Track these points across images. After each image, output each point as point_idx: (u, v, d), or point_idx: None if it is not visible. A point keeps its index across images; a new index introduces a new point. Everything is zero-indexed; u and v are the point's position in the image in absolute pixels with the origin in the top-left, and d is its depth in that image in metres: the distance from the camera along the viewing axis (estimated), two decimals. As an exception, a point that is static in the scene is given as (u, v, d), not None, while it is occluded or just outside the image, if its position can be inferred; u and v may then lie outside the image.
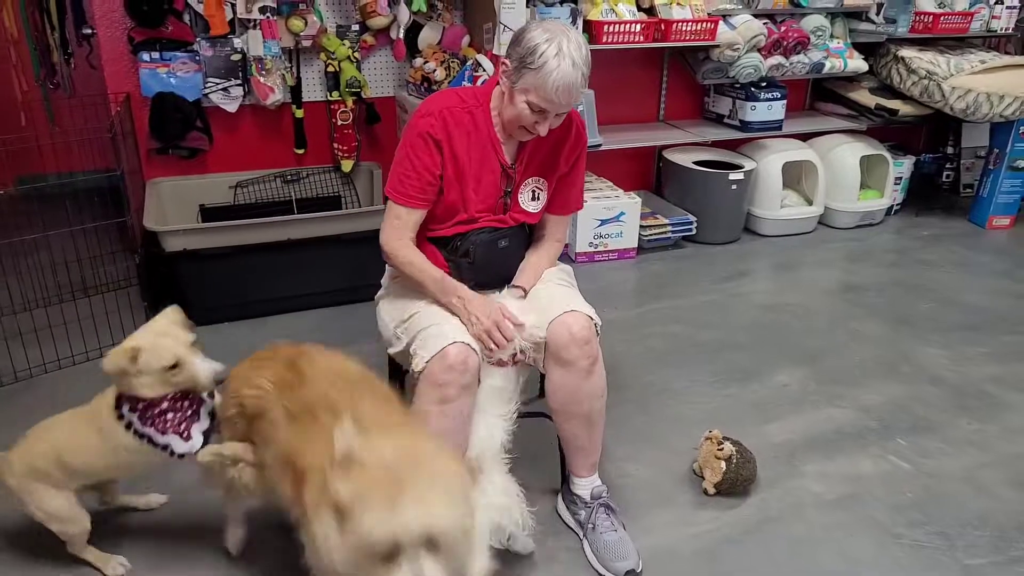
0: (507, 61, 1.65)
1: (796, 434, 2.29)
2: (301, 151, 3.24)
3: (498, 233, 1.82)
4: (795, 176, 3.89)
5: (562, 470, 2.01)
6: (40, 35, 3.40)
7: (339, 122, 3.15)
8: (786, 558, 1.82)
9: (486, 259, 1.82)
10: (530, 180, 1.82)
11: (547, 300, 1.78)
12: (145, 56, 2.87)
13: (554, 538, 1.88)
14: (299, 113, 3.16)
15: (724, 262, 3.54)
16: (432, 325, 1.67)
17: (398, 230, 1.75)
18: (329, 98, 3.11)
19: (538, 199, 1.85)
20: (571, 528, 1.90)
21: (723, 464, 2.01)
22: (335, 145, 3.21)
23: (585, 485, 1.85)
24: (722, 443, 2.05)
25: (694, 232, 3.61)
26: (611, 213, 3.40)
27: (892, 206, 4.06)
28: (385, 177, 3.25)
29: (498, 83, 1.71)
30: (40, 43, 3.41)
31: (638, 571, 1.75)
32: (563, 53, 1.56)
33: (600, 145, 3.36)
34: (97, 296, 2.94)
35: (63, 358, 2.53)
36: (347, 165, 3.22)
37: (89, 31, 3.24)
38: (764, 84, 3.63)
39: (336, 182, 3.31)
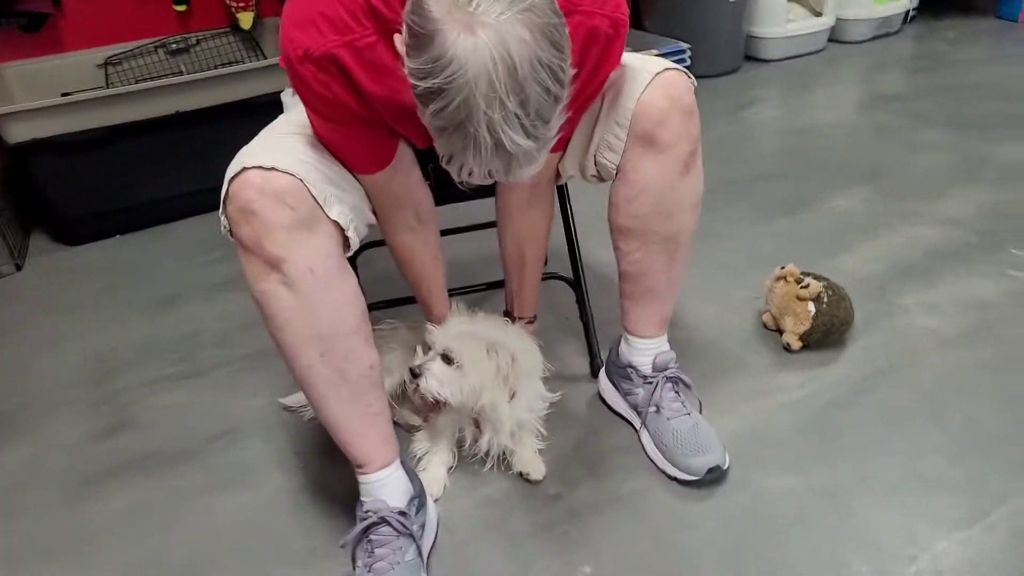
0: (405, 47, 0.76)
1: (879, 263, 1.74)
2: (182, 7, 2.49)
3: None
4: (796, -15, 3.25)
5: (589, 341, 1.45)
6: None
7: (225, -39, 2.42)
8: (925, 414, 1.29)
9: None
10: None
11: (626, 74, 1.11)
12: None
13: (593, 434, 1.32)
14: (171, -45, 2.41)
15: (729, 93, 2.92)
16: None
17: (388, 207, 1.11)
18: (207, -73, 2.37)
19: None
20: (620, 416, 1.35)
21: (811, 306, 1.45)
22: (227, -3, 2.48)
23: (648, 350, 1.27)
24: (802, 279, 1.49)
25: (688, 63, 2.98)
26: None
27: (908, 11, 3.46)
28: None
29: None
30: None
31: (724, 467, 1.20)
32: (491, 123, 0.73)
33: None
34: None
35: None
36: (246, 20, 2.48)
37: None
38: None
39: (237, 46, 2.59)
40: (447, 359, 1.13)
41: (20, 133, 1.96)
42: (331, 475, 1.28)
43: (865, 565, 1.05)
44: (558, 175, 1.24)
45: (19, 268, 2.07)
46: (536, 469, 1.22)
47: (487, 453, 1.23)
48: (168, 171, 2.18)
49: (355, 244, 1.03)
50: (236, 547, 1.17)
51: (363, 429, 1.05)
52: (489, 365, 1.13)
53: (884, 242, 1.82)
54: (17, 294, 1.97)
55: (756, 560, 1.07)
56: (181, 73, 2.50)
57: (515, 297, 1.32)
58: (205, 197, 2.27)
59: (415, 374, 1.13)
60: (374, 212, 1.11)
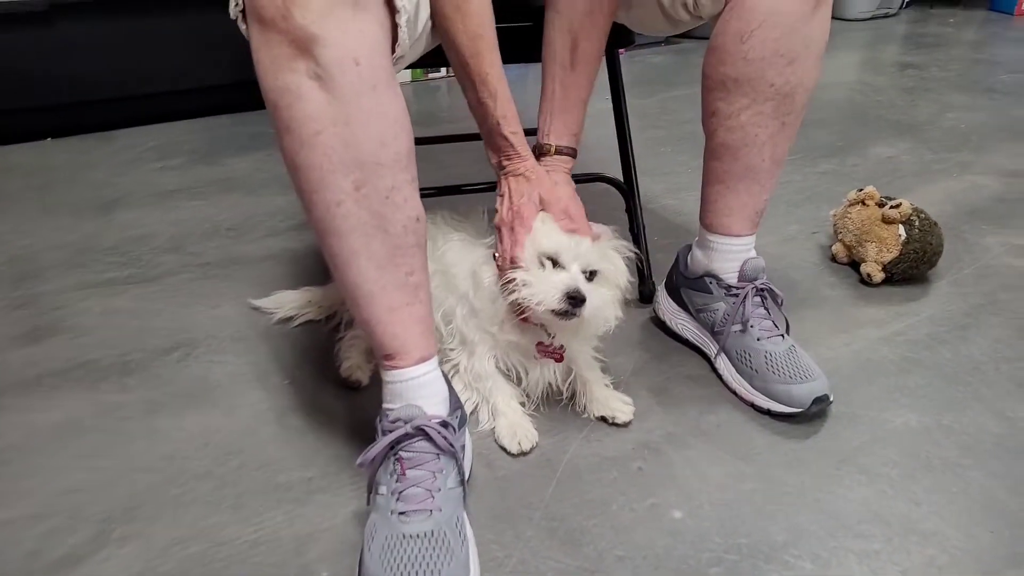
0: None
1: (945, 205, 1.55)
2: None
3: None
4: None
5: (640, 253, 1.20)
6: None
7: None
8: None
9: None
10: None
11: None
12: None
13: (655, 360, 1.07)
14: None
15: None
16: None
17: None
18: None
19: None
20: (685, 342, 1.10)
21: (901, 230, 1.23)
22: None
23: (736, 252, 1.01)
24: (885, 203, 1.28)
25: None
26: None
27: (905, -3, 3.40)
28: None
29: None
30: None
31: (831, 399, 0.96)
32: None
33: None
34: None
35: None
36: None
37: None
38: None
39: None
40: (591, 276, 0.88)
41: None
42: (325, 393, 0.99)
43: (1038, 512, 0.82)
44: (629, 5, 0.98)
45: (-82, 164, 1.70)
46: (622, 409, 0.95)
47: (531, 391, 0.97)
48: (118, 67, 1.83)
49: (404, 46, 0.75)
50: (204, 477, 0.86)
51: (400, 303, 0.76)
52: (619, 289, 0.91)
53: (944, 186, 1.64)
54: (-86, 191, 1.60)
55: (901, 505, 0.83)
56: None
57: (555, 116, 0.96)
58: (158, 103, 1.95)
59: (580, 299, 0.83)
60: None
